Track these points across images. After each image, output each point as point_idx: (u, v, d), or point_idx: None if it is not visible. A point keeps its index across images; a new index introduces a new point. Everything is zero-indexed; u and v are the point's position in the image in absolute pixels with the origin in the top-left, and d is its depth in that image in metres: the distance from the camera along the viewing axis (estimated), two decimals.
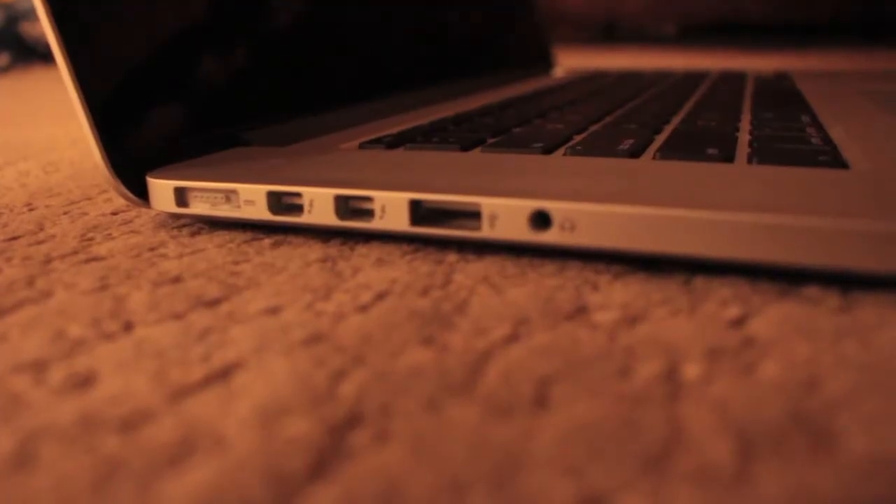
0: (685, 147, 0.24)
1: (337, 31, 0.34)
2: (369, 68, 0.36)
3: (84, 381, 0.14)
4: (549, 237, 0.18)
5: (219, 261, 0.20)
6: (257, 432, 0.12)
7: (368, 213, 0.20)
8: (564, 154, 0.24)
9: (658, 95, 0.40)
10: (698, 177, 0.19)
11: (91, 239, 0.22)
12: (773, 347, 0.14)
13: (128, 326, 0.16)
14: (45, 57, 1.17)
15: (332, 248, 0.20)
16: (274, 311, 0.16)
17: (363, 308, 0.16)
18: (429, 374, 0.13)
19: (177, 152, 0.24)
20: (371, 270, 0.19)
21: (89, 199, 0.27)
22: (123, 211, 0.25)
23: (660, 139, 0.26)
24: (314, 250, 0.20)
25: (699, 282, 0.17)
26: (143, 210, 0.25)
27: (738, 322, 0.15)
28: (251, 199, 0.21)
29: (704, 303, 0.16)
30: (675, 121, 0.31)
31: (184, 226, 0.23)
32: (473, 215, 0.19)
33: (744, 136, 0.26)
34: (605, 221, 0.17)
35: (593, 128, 0.29)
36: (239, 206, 0.21)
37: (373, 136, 0.28)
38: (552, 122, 0.31)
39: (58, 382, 0.14)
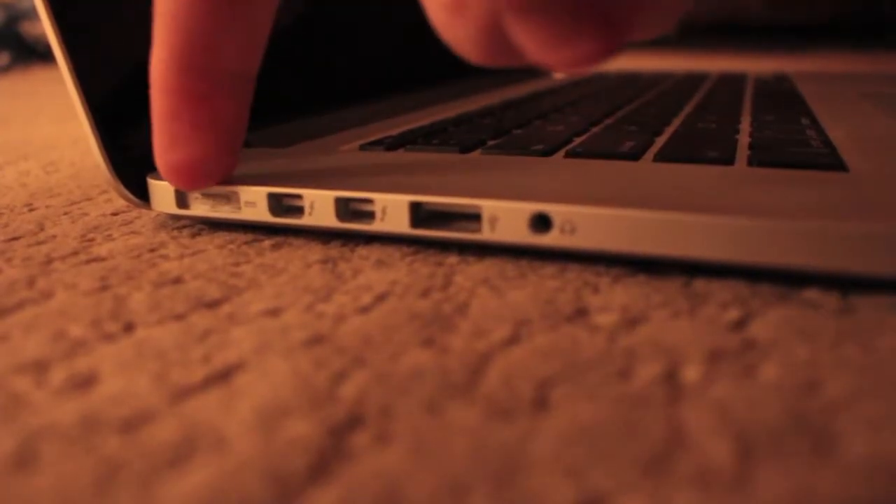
0: (685, 149, 0.24)
1: (337, 33, 0.34)
2: (369, 70, 0.37)
3: (85, 382, 0.14)
4: (550, 240, 0.18)
5: (219, 262, 0.20)
6: (258, 433, 0.12)
7: (369, 215, 0.20)
8: (565, 156, 0.24)
9: (658, 97, 0.41)
10: (698, 179, 0.19)
11: (91, 239, 0.22)
12: (773, 350, 0.14)
13: (128, 327, 0.16)
14: (46, 56, 1.17)
15: (333, 250, 0.20)
16: (274, 312, 0.16)
17: (364, 309, 0.16)
18: (429, 375, 0.13)
19: None
20: (371, 272, 0.19)
21: (90, 199, 0.28)
22: (124, 212, 0.25)
23: (660, 141, 0.26)
24: (315, 252, 0.20)
25: (699, 284, 0.17)
26: (144, 211, 0.25)
27: (738, 324, 0.15)
28: (252, 201, 0.21)
29: (704, 305, 0.16)
30: (675, 123, 0.31)
31: (184, 227, 0.23)
32: (474, 217, 0.19)
33: (744, 139, 0.26)
34: (606, 224, 0.17)
35: (593, 130, 0.29)
36: (239, 208, 0.21)
37: (373, 138, 0.28)
38: (552, 123, 0.31)
39: (59, 383, 0.14)
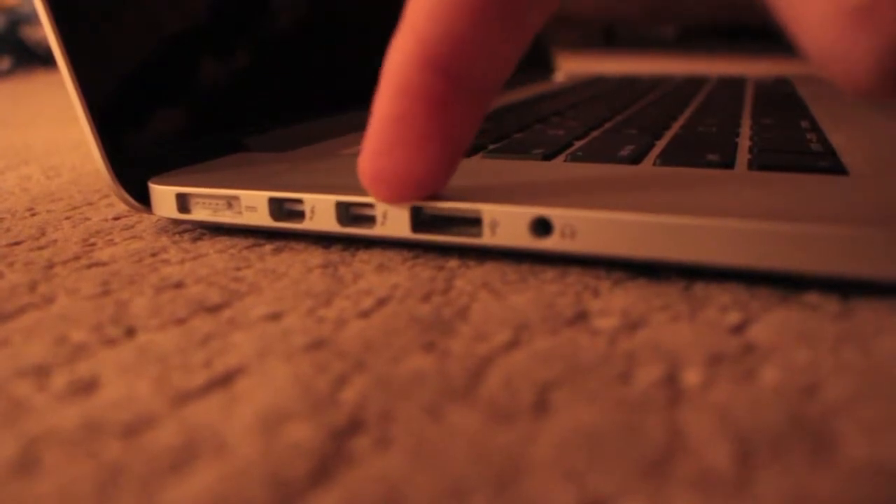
0: (685, 153, 0.24)
1: (338, 37, 0.34)
2: (371, 74, 0.37)
3: (86, 387, 0.14)
4: (550, 244, 0.18)
5: (220, 266, 0.20)
6: (259, 438, 0.12)
7: (370, 220, 0.20)
8: (565, 160, 0.24)
9: (658, 101, 0.41)
10: (698, 183, 0.19)
11: (93, 244, 0.22)
12: (772, 353, 0.14)
13: (130, 332, 0.16)
14: (47, 61, 1.17)
15: (334, 254, 0.21)
16: (275, 316, 0.16)
17: (364, 314, 0.16)
18: (430, 379, 0.14)
19: (178, 158, 0.24)
20: (372, 276, 0.19)
21: (91, 204, 0.28)
22: (125, 216, 0.25)
23: (660, 145, 0.26)
24: (315, 256, 0.20)
25: (699, 288, 0.17)
26: (145, 215, 0.25)
27: (738, 328, 0.15)
28: (253, 206, 0.21)
29: (704, 309, 0.16)
30: (676, 126, 0.31)
31: (185, 231, 0.23)
32: (474, 222, 0.19)
33: (744, 142, 0.26)
34: (606, 228, 0.17)
35: (594, 133, 0.29)
36: (240, 213, 0.21)
37: None
38: (553, 127, 0.31)
39: (60, 388, 0.14)
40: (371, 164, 0.17)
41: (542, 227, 0.18)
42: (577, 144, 0.27)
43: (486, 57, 0.16)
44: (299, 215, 0.21)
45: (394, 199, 0.18)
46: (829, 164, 0.21)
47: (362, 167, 0.18)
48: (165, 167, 0.23)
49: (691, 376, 0.13)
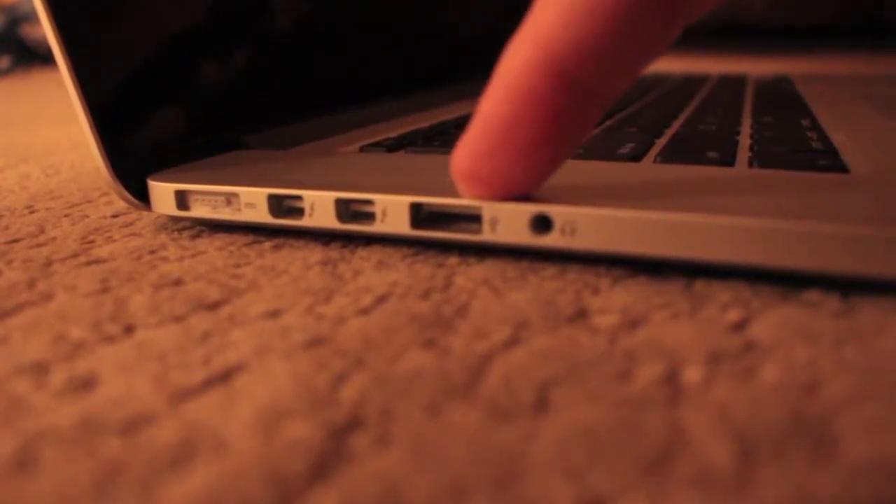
0: (686, 151, 0.24)
1: (338, 35, 0.34)
2: (370, 71, 0.37)
3: (85, 384, 0.14)
4: (550, 241, 0.18)
5: (219, 263, 0.20)
6: (258, 435, 0.12)
7: (369, 217, 0.20)
8: None
9: (659, 99, 0.40)
10: (699, 181, 0.19)
11: (92, 241, 0.22)
12: (773, 351, 0.14)
13: (128, 329, 0.16)
14: (47, 59, 1.17)
15: (333, 251, 0.20)
16: (275, 314, 0.16)
17: (364, 311, 0.16)
18: (429, 377, 0.13)
19: (178, 155, 0.24)
20: (372, 273, 0.19)
21: (90, 201, 0.28)
22: (124, 213, 0.25)
23: (660, 143, 0.26)
24: (315, 253, 0.20)
25: (700, 285, 0.17)
26: (144, 213, 0.25)
27: (739, 326, 0.15)
28: (252, 203, 0.21)
29: (705, 306, 0.16)
30: (676, 124, 0.31)
31: (184, 229, 0.23)
32: (474, 219, 0.19)
33: (744, 140, 0.26)
34: (606, 225, 0.17)
35: (594, 131, 0.29)
36: (240, 210, 0.21)
37: (373, 140, 0.28)
38: None
39: (59, 385, 0.14)
40: (469, 164, 0.17)
41: (542, 223, 0.18)
42: None
43: (614, 67, 0.15)
44: (299, 212, 0.21)
45: (486, 198, 0.18)
46: (829, 162, 0.21)
47: (460, 165, 0.17)
48: (164, 164, 0.23)
49: (692, 374, 0.13)
